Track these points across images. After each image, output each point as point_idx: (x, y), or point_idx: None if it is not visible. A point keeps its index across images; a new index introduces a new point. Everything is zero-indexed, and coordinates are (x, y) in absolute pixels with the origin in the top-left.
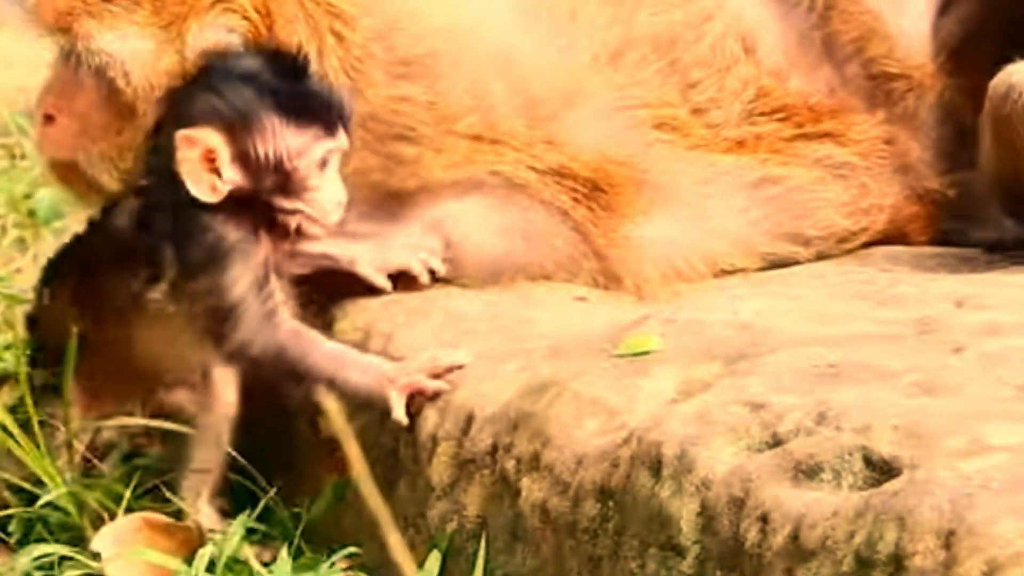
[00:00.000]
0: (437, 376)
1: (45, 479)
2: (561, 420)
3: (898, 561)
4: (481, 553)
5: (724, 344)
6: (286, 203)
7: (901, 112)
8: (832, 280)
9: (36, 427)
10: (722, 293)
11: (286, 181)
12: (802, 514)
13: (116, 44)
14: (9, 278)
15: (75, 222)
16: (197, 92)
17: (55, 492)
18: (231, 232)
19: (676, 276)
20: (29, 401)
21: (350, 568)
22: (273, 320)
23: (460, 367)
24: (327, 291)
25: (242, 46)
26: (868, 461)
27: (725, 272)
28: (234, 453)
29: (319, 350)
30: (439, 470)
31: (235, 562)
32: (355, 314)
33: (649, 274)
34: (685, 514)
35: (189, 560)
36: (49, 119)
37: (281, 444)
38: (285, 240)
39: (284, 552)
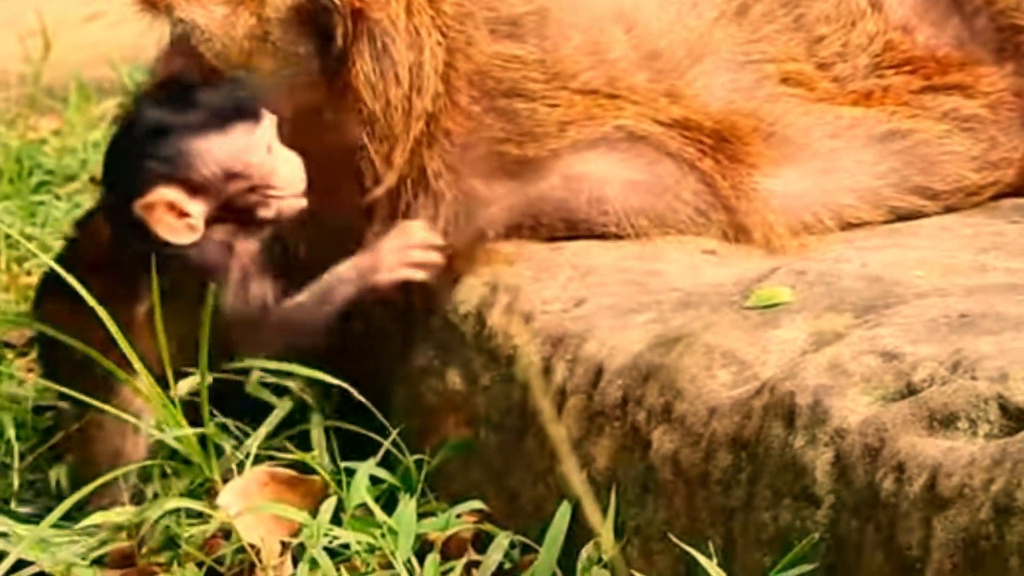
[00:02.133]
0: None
1: (173, 427)
2: (692, 372)
3: None
4: (611, 505)
5: (855, 295)
6: (256, 198)
7: None
8: (961, 232)
9: (171, 379)
10: (850, 245)
11: (248, 181)
12: (938, 463)
13: (195, 12)
14: None
15: None
16: (126, 165)
17: (179, 432)
18: (204, 260)
19: (803, 229)
20: (165, 354)
21: (477, 521)
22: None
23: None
24: None
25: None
26: (1004, 410)
27: (851, 225)
28: (363, 399)
29: (300, 303)
30: (568, 423)
31: (359, 510)
32: (482, 269)
33: (777, 226)
34: (819, 464)
35: (314, 512)
36: None
37: (406, 392)
38: (264, 228)
39: (411, 502)
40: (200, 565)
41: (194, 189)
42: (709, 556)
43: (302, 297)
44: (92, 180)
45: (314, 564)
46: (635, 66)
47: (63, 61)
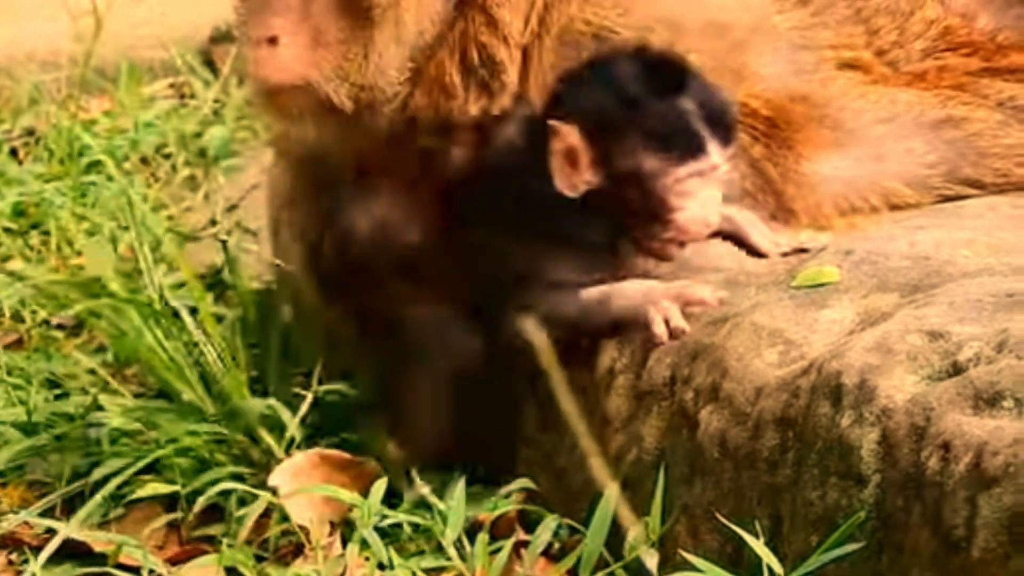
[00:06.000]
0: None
1: (236, 398)
2: (740, 351)
3: None
4: (659, 485)
5: (902, 275)
6: (645, 222)
7: None
8: (1007, 212)
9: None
10: (897, 225)
11: (646, 200)
12: (984, 442)
13: None
14: (180, 217)
15: (247, 160)
16: (575, 86)
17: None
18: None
19: (851, 211)
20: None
21: (525, 501)
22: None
23: (705, 303)
24: None
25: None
26: None
27: (897, 207)
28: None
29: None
30: (617, 403)
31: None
32: None
33: (825, 207)
34: (865, 443)
35: (365, 494)
36: (272, 42)
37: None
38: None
39: (460, 483)
40: (249, 543)
41: (598, 160)
42: (756, 535)
43: (584, 294)
44: (143, 160)
45: (364, 544)
46: (695, 46)
47: (114, 41)
